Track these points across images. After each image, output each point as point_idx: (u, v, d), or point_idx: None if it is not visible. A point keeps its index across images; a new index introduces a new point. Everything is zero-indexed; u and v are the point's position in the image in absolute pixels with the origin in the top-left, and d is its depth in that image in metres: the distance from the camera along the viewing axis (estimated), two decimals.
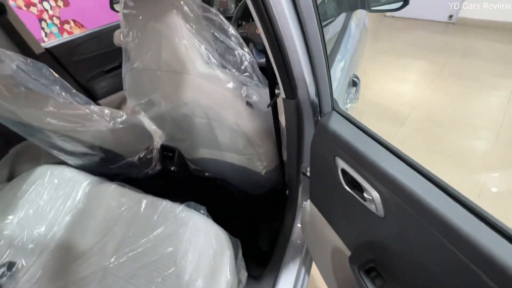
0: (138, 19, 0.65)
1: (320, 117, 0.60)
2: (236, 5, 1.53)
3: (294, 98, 0.61)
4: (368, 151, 0.44)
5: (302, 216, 0.87)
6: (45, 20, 2.73)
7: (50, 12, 2.75)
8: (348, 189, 0.51)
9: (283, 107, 0.66)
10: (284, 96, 0.63)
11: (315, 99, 0.63)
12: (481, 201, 1.53)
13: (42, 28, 2.74)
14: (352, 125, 0.50)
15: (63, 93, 0.81)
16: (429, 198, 0.36)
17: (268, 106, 0.71)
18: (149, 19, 0.63)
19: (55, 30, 2.82)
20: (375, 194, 0.43)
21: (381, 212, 0.44)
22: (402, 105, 2.35)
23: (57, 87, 0.80)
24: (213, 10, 0.66)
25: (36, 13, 2.66)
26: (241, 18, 1.31)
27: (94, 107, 0.89)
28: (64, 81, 0.84)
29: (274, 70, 0.57)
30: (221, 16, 0.67)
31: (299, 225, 0.92)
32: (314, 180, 0.70)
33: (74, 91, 0.86)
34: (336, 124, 0.52)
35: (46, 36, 2.78)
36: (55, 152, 1.01)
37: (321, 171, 0.63)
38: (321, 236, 0.80)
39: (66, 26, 2.89)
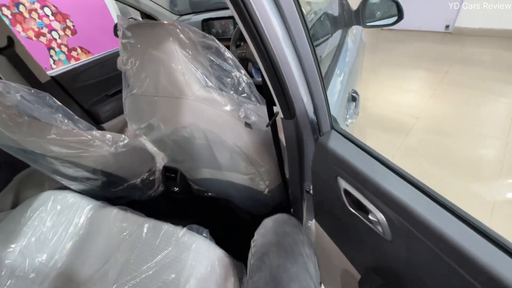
0: (137, 47, 0.66)
1: (319, 136, 0.59)
2: (235, 27, 1.58)
3: (293, 118, 0.61)
4: (370, 171, 0.42)
5: (308, 237, 0.84)
6: (53, 49, 2.85)
7: (59, 41, 2.88)
8: (353, 210, 0.49)
9: (282, 127, 0.66)
10: (282, 116, 0.62)
11: (314, 118, 0.63)
12: (496, 210, 1.47)
13: (51, 56, 2.86)
14: (352, 144, 0.49)
15: (66, 120, 0.83)
16: (437, 221, 0.34)
17: (267, 126, 0.71)
18: (147, 47, 0.65)
19: (63, 57, 2.94)
20: (381, 217, 0.41)
21: (388, 235, 0.42)
22: (405, 115, 2.34)
23: (60, 115, 0.82)
24: (209, 36, 0.68)
25: (45, 43, 2.79)
26: (240, 39, 1.34)
27: (95, 133, 0.90)
28: (67, 109, 0.86)
29: (271, 91, 0.57)
30: (217, 41, 0.68)
31: None
32: (318, 199, 0.68)
33: (76, 117, 0.87)
34: (336, 144, 0.51)
35: (54, 63, 2.89)
36: (58, 178, 1.02)
37: (324, 191, 0.61)
38: (329, 257, 0.76)
39: (73, 53, 3.01)
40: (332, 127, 0.57)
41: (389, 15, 1.27)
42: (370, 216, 0.44)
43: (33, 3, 2.65)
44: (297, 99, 0.59)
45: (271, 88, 0.57)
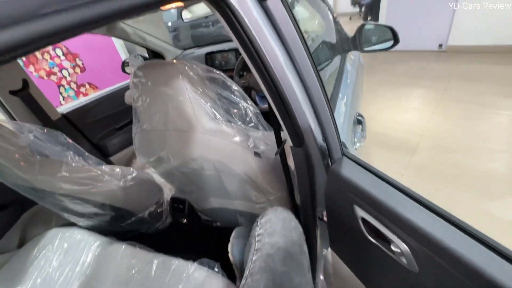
0: (147, 85, 0.69)
1: (331, 163, 0.59)
2: (237, 58, 1.65)
3: (302, 145, 0.61)
4: (387, 199, 0.41)
5: (325, 267, 0.80)
6: (63, 86, 2.98)
7: (68, 78, 3.01)
8: (372, 240, 0.47)
9: (292, 155, 0.66)
10: (291, 144, 0.63)
11: (323, 144, 0.63)
12: None
13: (60, 93, 2.98)
14: (365, 171, 0.49)
15: (76, 157, 0.84)
16: (466, 252, 0.33)
17: (276, 154, 0.71)
18: (157, 84, 0.68)
19: (72, 93, 3.06)
20: (404, 247, 0.40)
21: (413, 267, 0.40)
22: (409, 133, 2.33)
23: (71, 152, 0.83)
24: (216, 70, 0.70)
25: (55, 81, 2.92)
26: (242, 70, 1.39)
27: (105, 167, 0.90)
28: (77, 145, 0.87)
29: (280, 121, 0.58)
30: (223, 75, 0.71)
31: (322, 276, 0.85)
32: (333, 227, 0.66)
33: (86, 154, 0.89)
34: (349, 171, 0.50)
35: (63, 99, 3.00)
36: (66, 215, 1.01)
37: (340, 219, 0.59)
38: None
39: (82, 89, 3.14)
40: (343, 154, 0.57)
41: (385, 39, 1.32)
42: (392, 247, 0.43)
43: None
44: (305, 127, 0.59)
45: (279, 117, 0.58)
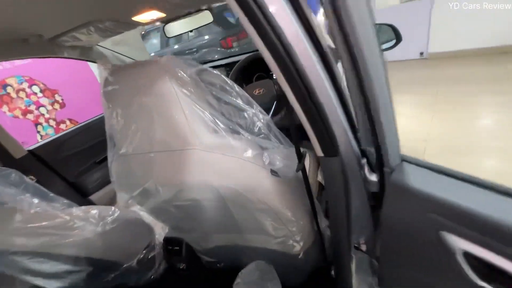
0: (122, 95, 0.53)
1: (383, 172, 0.43)
2: (227, 74, 1.54)
3: (337, 154, 0.45)
4: None
5: None
6: (41, 124, 2.78)
7: (46, 115, 2.82)
8: (487, 286, 0.30)
9: (322, 168, 0.50)
10: (322, 154, 0.47)
11: (357, 150, 0.48)
12: None
13: (38, 132, 2.76)
14: (452, 179, 0.33)
15: (36, 201, 0.65)
16: None
17: (297, 170, 0.55)
18: (136, 92, 0.51)
19: (50, 131, 2.85)
20: None
21: None
22: (413, 140, 2.23)
23: (28, 195, 0.64)
24: (213, 70, 0.56)
25: (32, 119, 2.72)
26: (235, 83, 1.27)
27: (76, 210, 0.71)
28: (39, 186, 0.68)
29: (306, 127, 0.43)
30: (223, 76, 0.56)
31: None
32: (391, 263, 0.48)
33: (51, 195, 0.69)
34: (424, 182, 0.35)
35: (41, 138, 2.78)
36: (29, 278, 0.78)
37: (408, 252, 0.42)
38: None
39: (62, 126, 2.94)
40: (402, 158, 0.41)
41: (385, 40, 1.25)
42: None
43: (21, 83, 2.66)
44: (339, 131, 0.44)
45: (307, 122, 0.43)
